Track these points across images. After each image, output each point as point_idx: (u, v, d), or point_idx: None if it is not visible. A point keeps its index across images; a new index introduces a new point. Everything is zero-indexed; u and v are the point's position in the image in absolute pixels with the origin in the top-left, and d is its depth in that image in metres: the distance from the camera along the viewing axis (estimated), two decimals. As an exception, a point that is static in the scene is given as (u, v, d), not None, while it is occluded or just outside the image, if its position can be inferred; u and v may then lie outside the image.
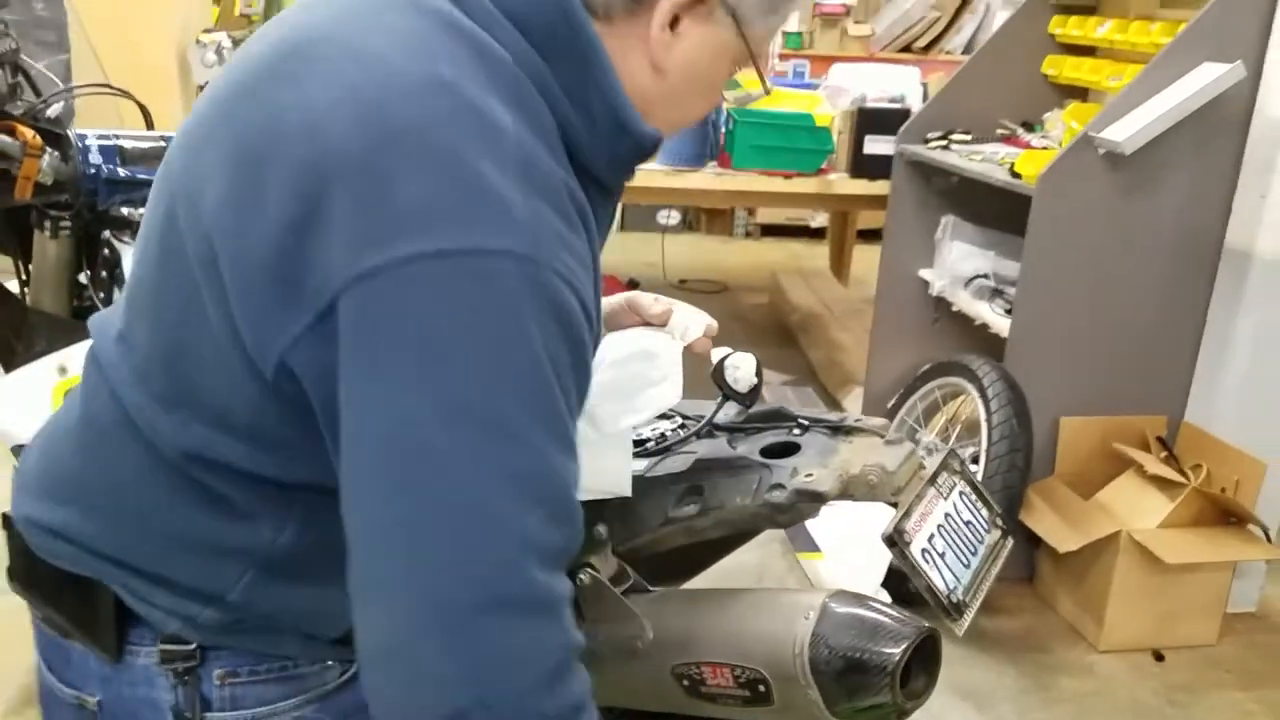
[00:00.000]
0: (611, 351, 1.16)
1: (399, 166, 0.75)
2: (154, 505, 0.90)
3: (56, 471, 0.96)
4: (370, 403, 0.76)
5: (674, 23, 0.88)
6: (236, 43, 4.79)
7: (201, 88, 4.47)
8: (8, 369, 1.71)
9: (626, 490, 1.21)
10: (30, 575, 0.96)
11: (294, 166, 0.77)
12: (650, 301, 1.23)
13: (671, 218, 6.45)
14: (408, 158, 0.76)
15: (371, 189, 0.75)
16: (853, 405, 3.66)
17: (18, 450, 1.68)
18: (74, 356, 1.67)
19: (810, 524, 2.76)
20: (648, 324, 1.23)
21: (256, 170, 0.79)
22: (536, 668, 0.78)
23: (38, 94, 1.77)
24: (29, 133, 1.56)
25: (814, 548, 2.80)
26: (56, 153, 1.59)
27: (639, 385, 1.15)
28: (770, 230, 6.79)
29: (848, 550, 2.76)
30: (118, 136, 1.62)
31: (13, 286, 1.80)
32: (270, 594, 0.91)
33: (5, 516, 0.98)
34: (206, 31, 4.71)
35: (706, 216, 6.88)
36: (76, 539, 0.92)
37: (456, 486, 0.76)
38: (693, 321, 1.21)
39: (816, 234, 6.60)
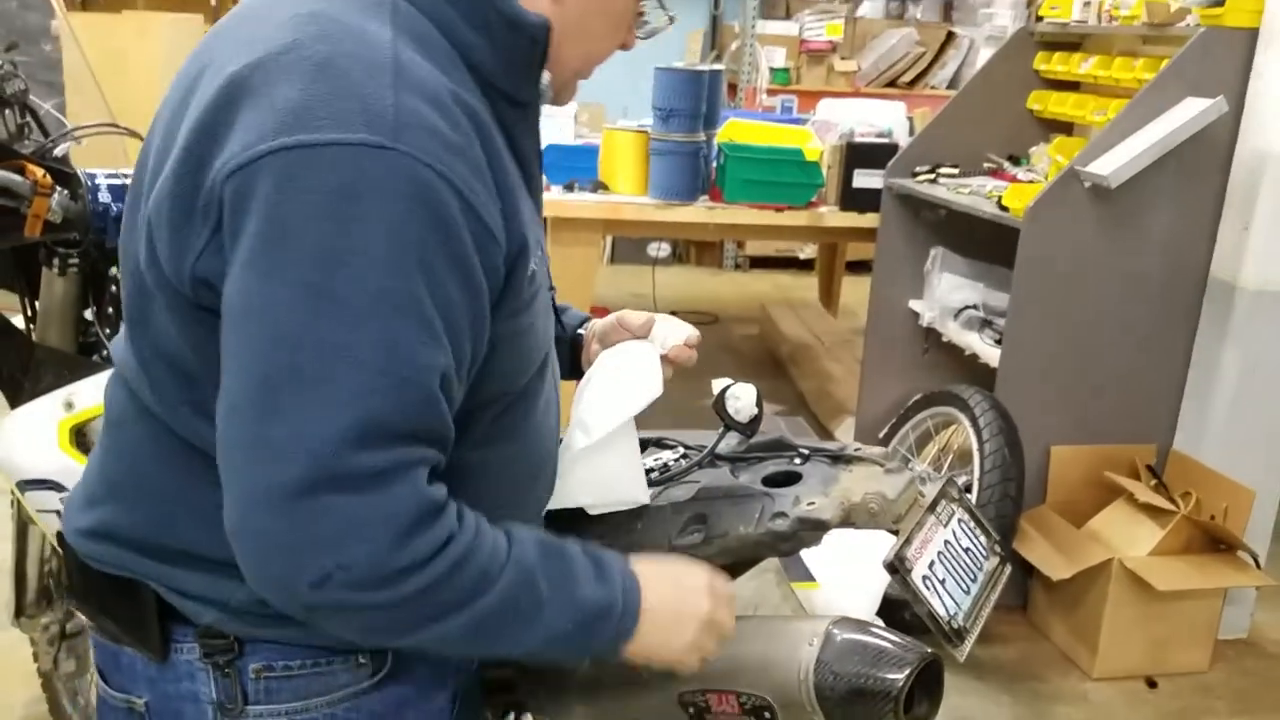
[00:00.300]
0: (596, 365, 1.24)
1: (278, 79, 0.84)
2: (173, 481, 0.98)
3: (93, 480, 1.05)
4: (233, 289, 0.84)
5: None
6: (231, 79, 4.82)
7: (196, 124, 4.50)
8: (14, 404, 1.72)
9: (643, 497, 1.24)
10: (83, 586, 1.04)
11: (201, 103, 0.88)
12: (634, 316, 1.30)
13: (662, 250, 6.50)
14: (286, 70, 0.85)
15: (255, 101, 0.84)
16: (845, 435, 3.69)
17: (24, 485, 1.69)
18: (81, 391, 1.68)
19: (805, 553, 2.78)
20: (636, 338, 1.28)
21: (179, 113, 0.90)
22: (381, 533, 0.85)
23: (45, 134, 1.80)
24: (39, 172, 1.58)
25: (809, 577, 2.82)
26: (66, 191, 1.61)
27: (621, 385, 1.20)
28: (759, 262, 6.84)
29: (843, 579, 2.78)
30: (126, 175, 1.65)
31: (18, 322, 1.82)
32: None
33: (60, 535, 1.06)
34: (201, 68, 4.75)
35: (696, 249, 6.93)
36: (114, 533, 1.00)
37: (287, 363, 0.82)
38: (673, 331, 1.28)
39: (805, 265, 6.66)
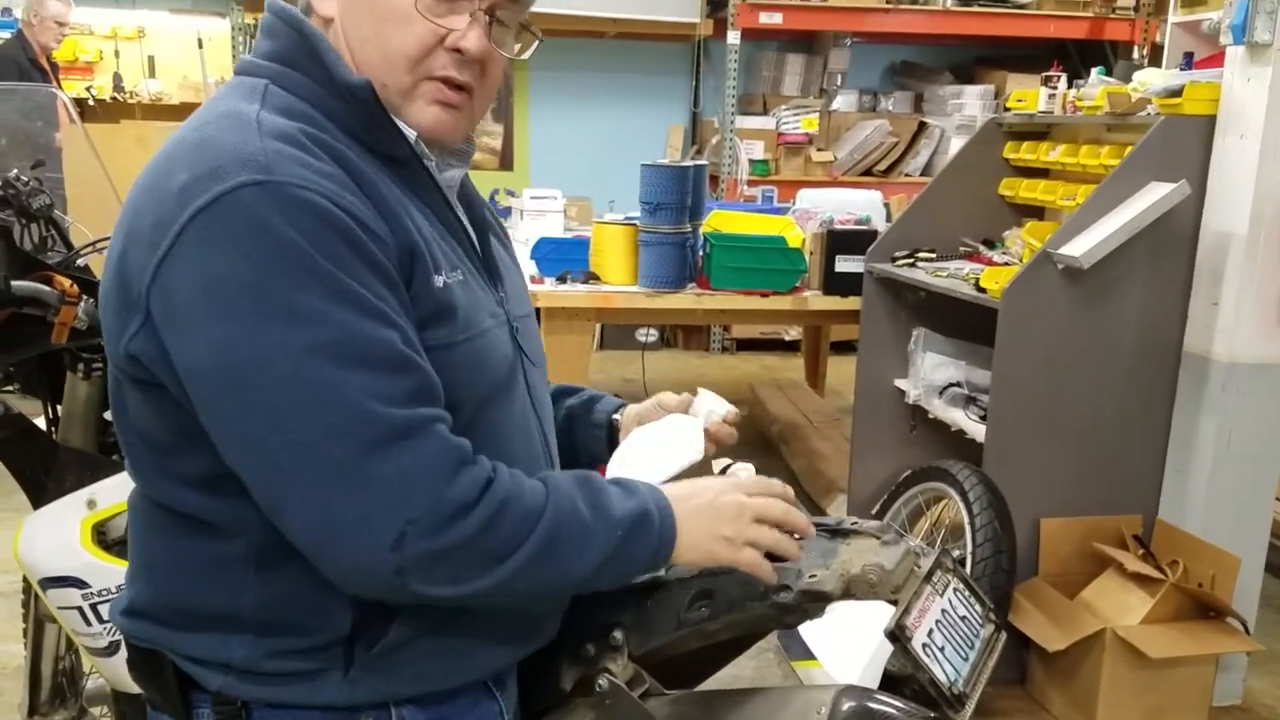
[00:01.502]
0: (633, 434, 1.30)
1: (171, 172, 0.96)
2: (157, 546, 1.09)
3: (129, 566, 1.16)
4: (193, 354, 0.94)
5: None
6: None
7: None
8: (37, 505, 1.77)
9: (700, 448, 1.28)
10: (133, 662, 1.14)
11: (124, 209, 1.01)
12: (672, 397, 1.37)
13: (650, 335, 6.61)
14: (175, 163, 0.96)
15: (158, 198, 0.96)
16: (837, 512, 3.74)
17: (46, 582, 1.74)
18: (102, 490, 1.74)
19: (804, 632, 2.81)
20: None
21: (114, 232, 1.02)
22: (434, 475, 0.95)
23: (68, 246, 1.89)
24: (66, 281, 1.66)
25: (809, 655, 2.85)
26: (91, 299, 1.69)
27: (660, 447, 1.28)
28: (745, 344, 6.95)
29: (843, 656, 2.81)
30: (149, 282, 1.72)
31: (39, 424, 1.88)
32: (274, 589, 1.04)
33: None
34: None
35: (684, 333, 7.05)
36: (137, 609, 1.11)
37: (283, 378, 0.92)
38: (713, 407, 1.33)
39: (791, 347, 6.78)
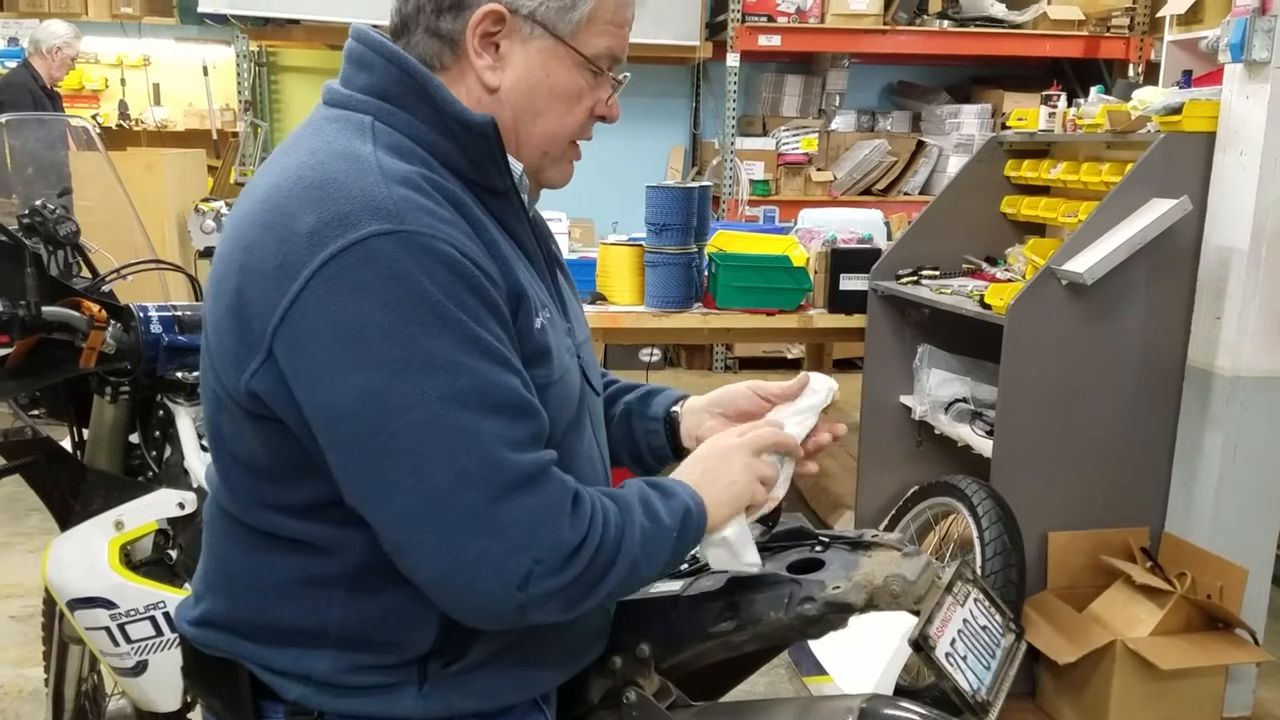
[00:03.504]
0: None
1: (296, 215, 0.98)
2: (242, 562, 1.11)
3: (197, 581, 1.19)
4: (328, 398, 0.96)
5: (494, 49, 1.09)
6: (233, 208, 4.99)
7: (201, 253, 4.65)
8: (64, 527, 1.80)
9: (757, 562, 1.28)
10: (194, 669, 1.17)
11: (238, 239, 1.02)
12: (777, 384, 1.37)
13: (654, 355, 6.64)
14: (300, 205, 0.98)
15: (283, 239, 0.97)
16: (845, 528, 3.76)
17: (74, 604, 1.76)
18: (130, 512, 1.77)
19: (815, 647, 2.83)
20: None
21: (223, 264, 1.04)
22: (555, 517, 1.00)
23: (94, 272, 1.92)
24: (94, 307, 1.69)
25: (821, 671, 2.86)
26: (118, 324, 1.72)
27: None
28: (748, 363, 6.98)
29: (854, 673, 2.83)
30: (175, 308, 1.76)
31: (64, 445, 1.90)
32: (364, 608, 1.07)
33: (182, 636, 1.20)
34: (205, 200, 4.93)
35: (686, 352, 7.08)
36: (214, 620, 1.14)
37: (420, 425, 0.95)
38: (825, 386, 1.33)
39: (793, 365, 6.81)
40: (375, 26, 1.16)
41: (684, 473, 1.20)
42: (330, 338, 0.94)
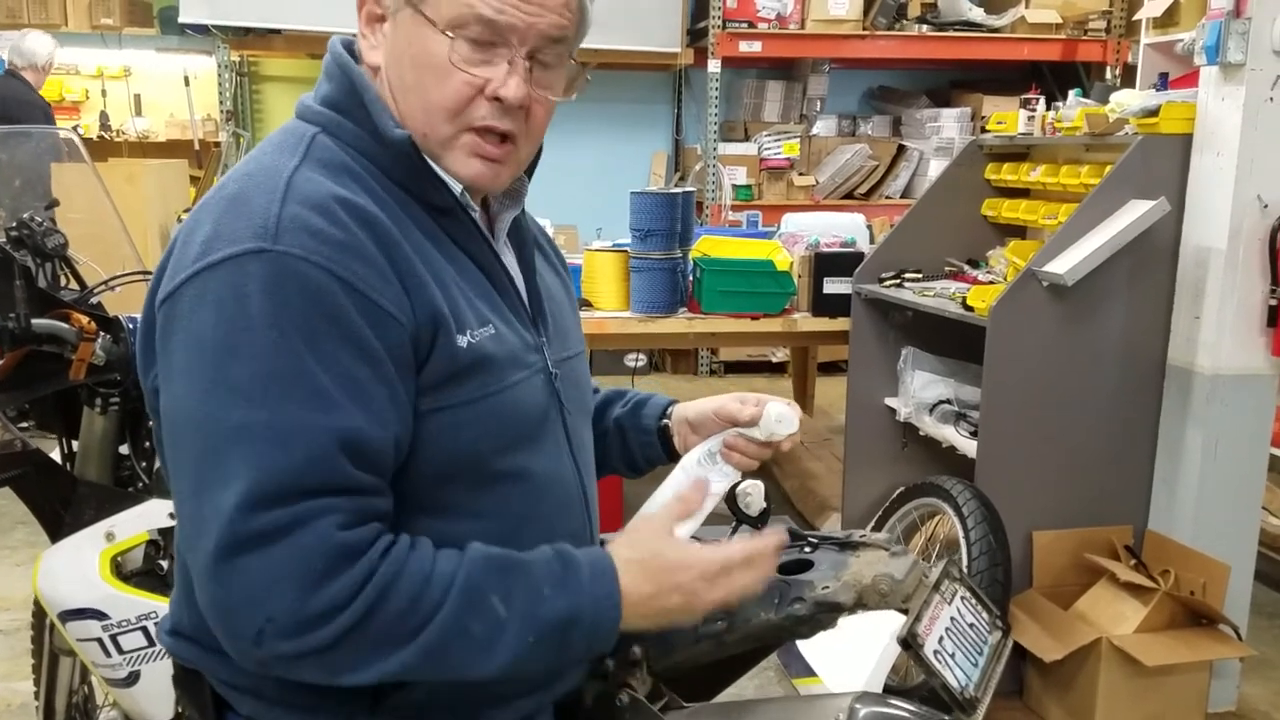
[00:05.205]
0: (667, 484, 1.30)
1: (203, 218, 1.02)
2: None
3: (174, 590, 1.19)
4: (164, 403, 1.02)
5: (379, 29, 1.11)
6: (217, 218, 4.99)
7: (185, 262, 4.63)
8: (54, 539, 1.80)
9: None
10: (178, 680, 1.19)
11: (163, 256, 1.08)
12: (738, 407, 1.32)
13: (639, 360, 6.65)
14: (210, 213, 1.02)
15: (185, 239, 1.02)
16: (832, 529, 3.78)
17: (65, 615, 1.76)
18: (121, 523, 1.77)
19: (804, 648, 2.84)
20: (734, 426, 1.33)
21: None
22: (294, 581, 0.95)
23: (82, 284, 1.92)
24: (84, 319, 1.69)
25: (809, 672, 2.88)
26: (108, 336, 1.72)
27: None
28: (733, 367, 7.01)
29: (843, 673, 2.84)
30: (164, 318, 1.76)
31: (54, 457, 1.90)
32: None
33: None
34: (187, 210, 4.92)
35: (672, 357, 7.10)
36: (180, 630, 1.15)
37: (203, 450, 0.97)
38: (778, 430, 1.33)
39: (778, 369, 6.84)
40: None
41: (629, 561, 1.06)
42: (178, 343, 0.99)
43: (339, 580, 0.95)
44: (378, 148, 1.09)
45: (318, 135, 1.09)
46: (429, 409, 1.04)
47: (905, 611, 1.32)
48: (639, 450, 1.42)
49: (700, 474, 1.32)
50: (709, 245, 3.88)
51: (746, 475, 1.47)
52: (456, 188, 1.11)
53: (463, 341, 1.05)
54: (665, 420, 1.41)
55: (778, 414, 1.32)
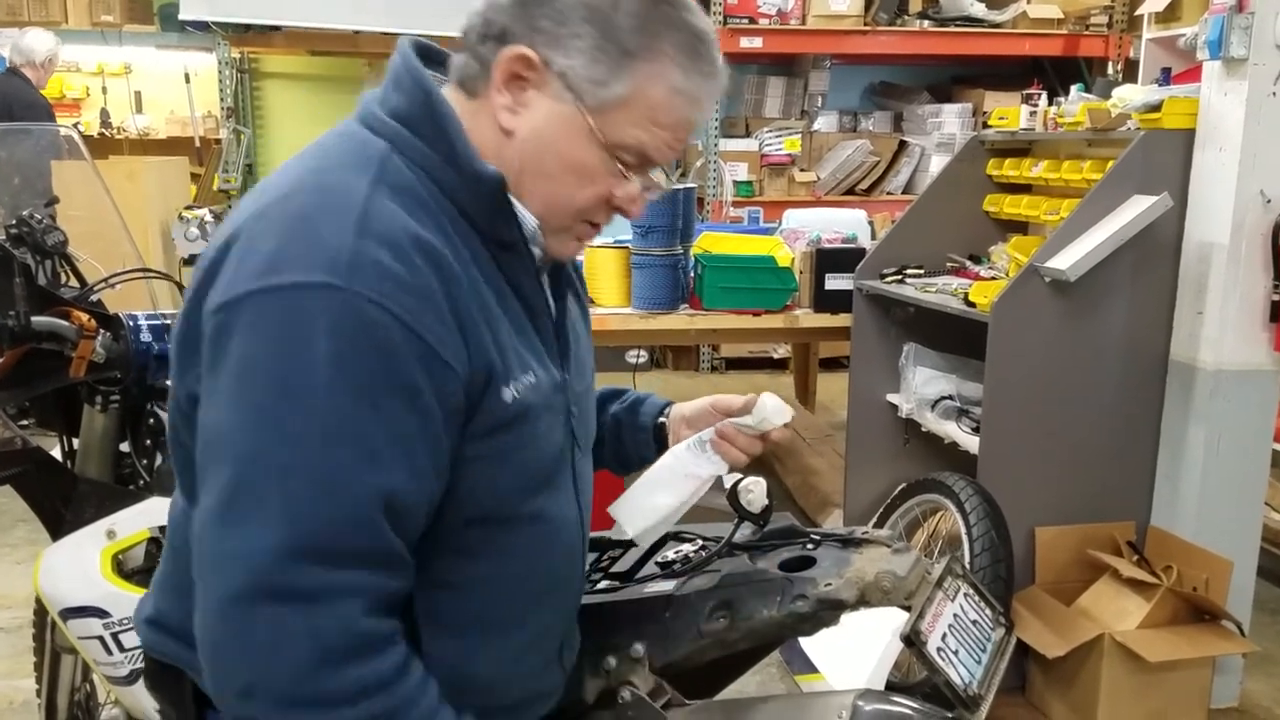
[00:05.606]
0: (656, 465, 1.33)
1: (265, 232, 0.97)
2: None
3: (157, 578, 1.18)
4: (204, 415, 0.97)
5: (520, 92, 1.05)
6: (217, 217, 5.00)
7: (185, 261, 4.64)
8: (55, 537, 1.80)
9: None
10: (151, 676, 1.17)
11: (210, 249, 1.02)
12: (734, 400, 1.36)
13: (640, 357, 6.65)
14: (272, 225, 0.97)
15: (244, 249, 0.97)
16: (834, 526, 3.77)
17: (66, 613, 1.76)
18: (122, 521, 1.77)
19: (806, 645, 2.84)
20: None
21: (206, 254, 1.03)
22: (306, 651, 0.91)
23: (82, 282, 1.92)
24: (84, 316, 1.69)
25: (812, 669, 2.88)
26: (108, 333, 1.72)
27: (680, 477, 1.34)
28: (734, 363, 7.00)
29: (845, 670, 2.84)
30: (164, 316, 1.76)
31: (55, 455, 1.90)
32: None
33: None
34: (188, 208, 4.92)
35: (673, 353, 7.09)
36: (163, 622, 1.12)
37: (239, 484, 0.92)
38: (773, 417, 1.36)
39: (779, 365, 6.83)
40: (435, 38, 1.13)
41: None
42: (231, 364, 0.94)
43: (349, 671, 0.92)
44: (453, 177, 1.04)
45: (389, 154, 1.03)
46: (468, 456, 1.03)
47: (908, 608, 1.31)
48: (633, 447, 1.42)
49: (689, 457, 1.34)
50: (710, 241, 3.87)
51: (748, 472, 1.47)
52: (530, 223, 1.09)
53: (508, 395, 1.04)
54: (662, 419, 1.42)
55: (773, 405, 1.35)
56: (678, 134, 1.08)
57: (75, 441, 1.87)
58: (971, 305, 2.97)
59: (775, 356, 6.86)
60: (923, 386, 3.39)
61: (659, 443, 1.41)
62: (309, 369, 0.92)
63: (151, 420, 1.80)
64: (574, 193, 1.08)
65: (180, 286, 1.99)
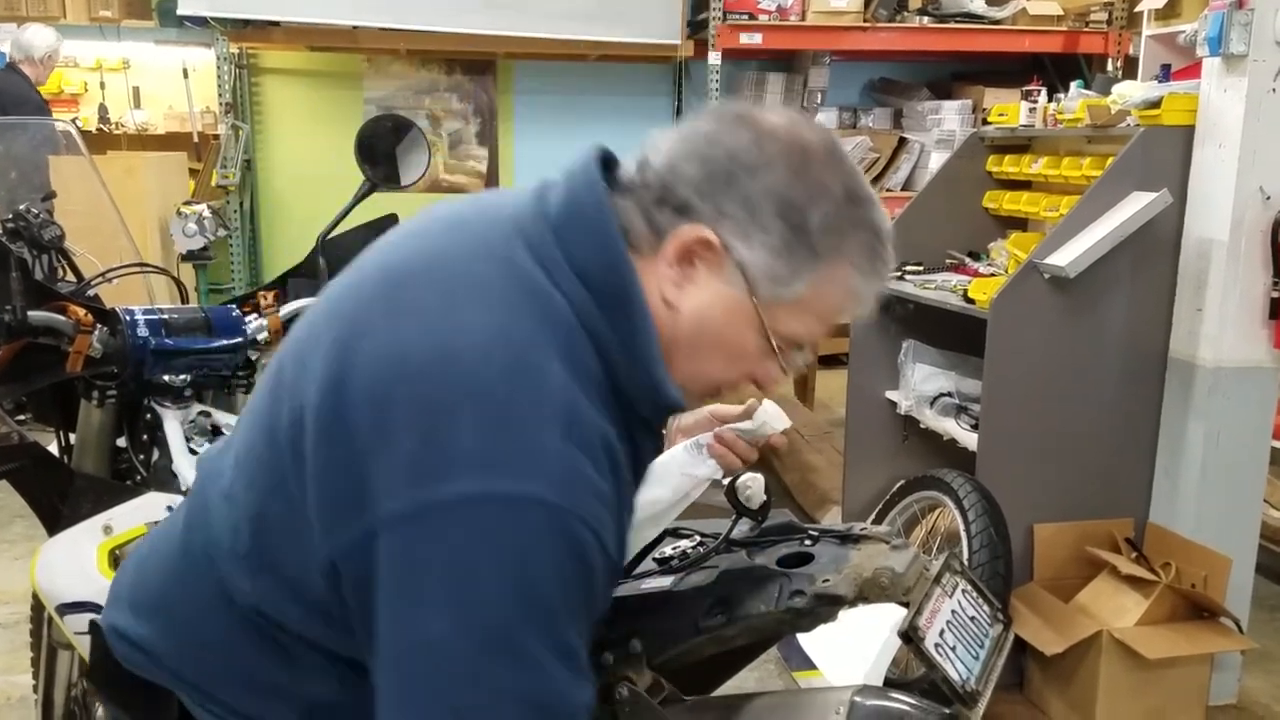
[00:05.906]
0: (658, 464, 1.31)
1: (460, 413, 0.88)
2: (222, 639, 1.05)
3: (146, 590, 1.13)
4: (403, 620, 0.89)
5: (689, 265, 0.99)
6: (216, 213, 4.99)
7: (184, 256, 4.64)
8: (52, 532, 1.79)
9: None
10: (108, 679, 1.12)
11: (374, 394, 0.91)
12: (732, 406, 1.36)
13: (638, 356, 6.65)
14: (469, 407, 0.88)
15: (435, 429, 0.88)
16: (833, 522, 3.77)
17: (63, 609, 1.76)
18: (119, 516, 1.76)
19: (804, 641, 2.84)
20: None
21: (342, 387, 0.92)
22: None
23: (79, 276, 1.91)
24: (81, 311, 1.69)
25: (810, 665, 2.88)
26: (105, 328, 1.72)
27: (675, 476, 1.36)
28: (733, 362, 6.99)
29: (843, 666, 2.84)
30: (161, 311, 1.75)
31: (51, 450, 1.90)
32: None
33: (93, 624, 1.16)
34: (186, 203, 4.91)
35: (671, 353, 7.08)
36: (153, 652, 1.08)
37: (465, 704, 0.87)
38: (772, 422, 1.38)
39: (778, 364, 6.82)
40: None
41: None
42: (439, 569, 0.87)
43: None
44: (625, 365, 0.98)
45: (576, 327, 0.96)
46: None
47: (906, 605, 1.31)
48: None
49: (685, 458, 1.35)
50: (709, 238, 3.86)
51: (748, 469, 1.47)
52: (675, 397, 1.04)
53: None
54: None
55: (773, 411, 1.37)
56: (835, 324, 1.07)
57: (72, 437, 1.86)
58: (971, 302, 2.96)
59: (774, 353, 6.85)
60: (922, 383, 3.39)
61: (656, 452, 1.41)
62: (535, 588, 0.88)
63: (148, 415, 1.80)
64: (723, 371, 1.06)
65: (178, 282, 1.99)
